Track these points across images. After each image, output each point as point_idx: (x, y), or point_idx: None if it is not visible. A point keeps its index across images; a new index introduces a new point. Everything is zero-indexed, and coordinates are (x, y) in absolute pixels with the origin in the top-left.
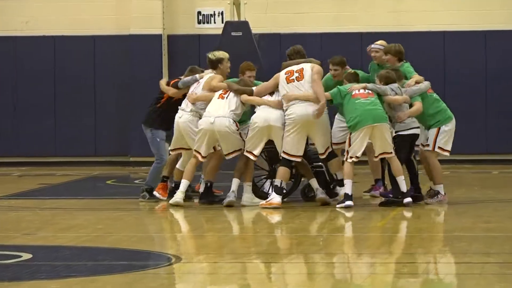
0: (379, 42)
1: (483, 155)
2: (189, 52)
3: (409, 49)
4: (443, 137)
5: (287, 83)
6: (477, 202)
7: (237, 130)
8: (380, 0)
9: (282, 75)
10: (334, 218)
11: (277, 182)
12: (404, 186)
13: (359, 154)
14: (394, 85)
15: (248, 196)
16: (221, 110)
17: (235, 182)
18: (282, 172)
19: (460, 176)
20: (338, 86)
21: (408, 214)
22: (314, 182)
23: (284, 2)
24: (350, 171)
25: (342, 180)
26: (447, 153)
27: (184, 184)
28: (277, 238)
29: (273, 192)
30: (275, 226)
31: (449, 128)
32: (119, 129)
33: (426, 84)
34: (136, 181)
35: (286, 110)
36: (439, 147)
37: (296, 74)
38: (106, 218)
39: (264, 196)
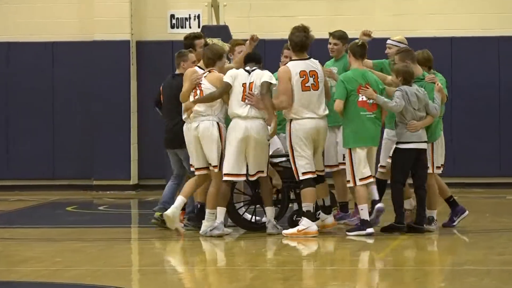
0: (398, 37)
1: (496, 178)
2: (160, 61)
3: None
4: (440, 153)
5: (302, 91)
6: (489, 231)
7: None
8: (380, 2)
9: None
10: (328, 249)
11: (307, 206)
12: (366, 215)
13: (368, 173)
14: (413, 89)
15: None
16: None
17: (220, 212)
18: (309, 193)
19: (470, 201)
20: (342, 80)
21: (411, 244)
22: (270, 211)
23: (269, 4)
24: (366, 195)
25: (329, 207)
26: (440, 170)
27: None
28: (261, 272)
29: (305, 218)
30: (259, 259)
31: (442, 140)
32: (81, 148)
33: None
34: (101, 208)
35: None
36: (437, 167)
37: (311, 80)
38: (66, 249)
39: (246, 225)
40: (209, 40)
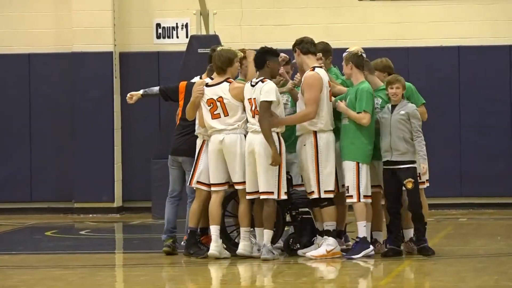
0: (355, 48)
1: (508, 198)
2: (146, 73)
3: (416, 68)
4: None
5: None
6: (500, 255)
7: None
8: (381, 9)
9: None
10: (327, 276)
11: (331, 225)
12: (363, 232)
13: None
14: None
15: (245, 244)
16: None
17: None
18: (332, 212)
19: (480, 223)
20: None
21: (416, 270)
22: (267, 235)
23: (262, 12)
24: (370, 212)
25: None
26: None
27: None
28: None
29: (330, 238)
30: (254, 286)
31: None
32: (60, 168)
33: None
34: (82, 232)
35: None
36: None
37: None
38: (46, 277)
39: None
40: (218, 48)
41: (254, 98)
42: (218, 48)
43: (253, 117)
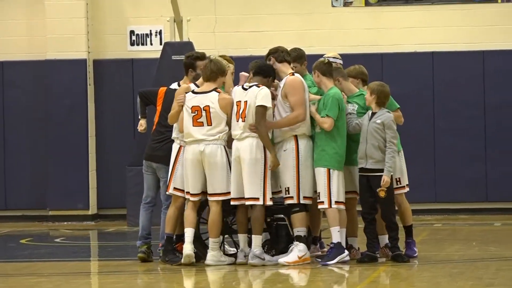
0: (332, 54)
1: (483, 203)
2: (120, 80)
3: (391, 73)
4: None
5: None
6: (476, 260)
7: None
8: (355, 15)
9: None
10: (301, 283)
11: (302, 231)
12: (337, 237)
13: (343, 198)
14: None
15: (214, 254)
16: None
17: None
18: (304, 217)
19: (455, 228)
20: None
21: (391, 275)
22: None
23: (236, 19)
24: (344, 218)
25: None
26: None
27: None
28: None
29: (301, 244)
30: None
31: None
32: (34, 175)
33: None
34: (57, 240)
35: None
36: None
37: None
38: (20, 285)
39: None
40: (212, 56)
41: (246, 101)
42: (212, 57)
43: (237, 120)
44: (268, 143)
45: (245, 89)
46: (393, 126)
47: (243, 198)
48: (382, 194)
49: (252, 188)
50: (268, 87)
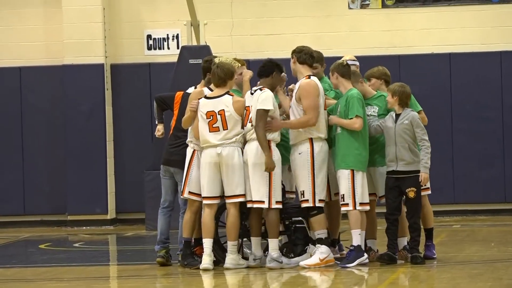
0: (349, 56)
1: (501, 204)
2: (137, 84)
3: (408, 75)
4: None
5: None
6: (495, 261)
7: None
8: (372, 17)
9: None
10: (321, 285)
11: (323, 233)
12: (357, 240)
13: (368, 199)
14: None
15: (232, 257)
16: None
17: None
18: (323, 220)
19: (474, 230)
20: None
21: (410, 277)
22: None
23: (253, 22)
24: (364, 220)
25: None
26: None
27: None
28: None
29: (323, 246)
30: None
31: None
32: (53, 180)
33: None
34: (76, 245)
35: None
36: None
37: None
38: None
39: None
40: (216, 59)
41: (251, 106)
42: (217, 60)
43: (245, 125)
44: (264, 145)
45: (252, 94)
46: (421, 123)
47: (251, 201)
48: (411, 194)
49: (258, 191)
50: (276, 82)
